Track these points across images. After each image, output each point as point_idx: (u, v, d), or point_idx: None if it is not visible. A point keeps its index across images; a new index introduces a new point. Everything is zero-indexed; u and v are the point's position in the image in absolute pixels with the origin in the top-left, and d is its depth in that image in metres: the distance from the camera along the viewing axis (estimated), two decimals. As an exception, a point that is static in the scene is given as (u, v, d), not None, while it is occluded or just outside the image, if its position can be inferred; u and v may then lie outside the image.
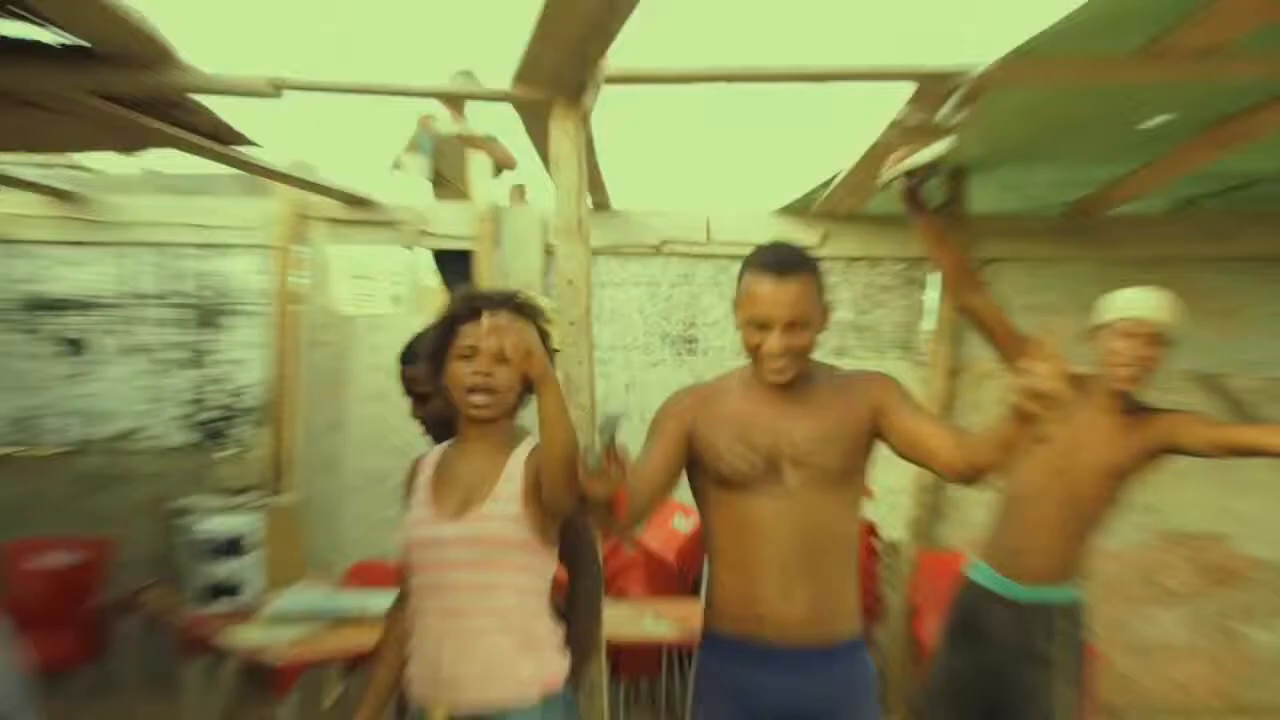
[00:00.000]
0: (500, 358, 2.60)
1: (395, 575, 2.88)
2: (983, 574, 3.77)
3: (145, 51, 3.57)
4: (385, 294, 8.32)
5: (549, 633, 2.73)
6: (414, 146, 6.85)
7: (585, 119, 3.56)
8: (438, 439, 3.20)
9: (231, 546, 4.76)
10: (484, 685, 2.61)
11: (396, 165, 6.93)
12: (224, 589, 4.73)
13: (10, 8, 3.35)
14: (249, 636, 4.39)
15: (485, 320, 2.57)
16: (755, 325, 2.75)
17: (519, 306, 2.79)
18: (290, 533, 5.22)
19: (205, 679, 4.90)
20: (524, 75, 3.42)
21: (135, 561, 5.95)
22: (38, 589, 5.74)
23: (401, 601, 2.84)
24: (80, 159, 6.64)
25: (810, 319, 2.74)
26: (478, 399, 2.66)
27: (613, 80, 3.54)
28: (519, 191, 6.91)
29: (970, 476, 2.64)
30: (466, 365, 2.67)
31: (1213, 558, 6.36)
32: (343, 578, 5.48)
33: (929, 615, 5.17)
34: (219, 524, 4.79)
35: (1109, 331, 3.61)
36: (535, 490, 2.63)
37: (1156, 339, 3.55)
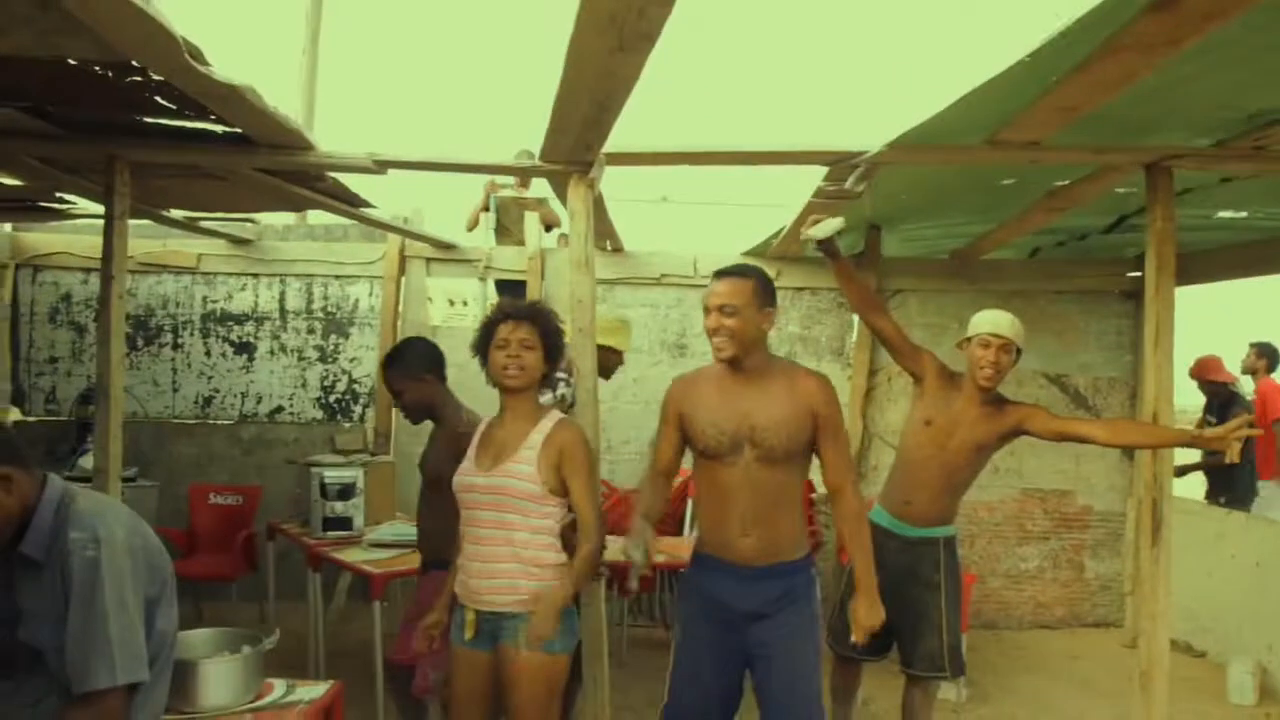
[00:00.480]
0: (525, 346, 2.86)
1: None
2: (881, 517, 3.82)
3: (288, 139, 3.72)
4: (461, 312, 8.47)
5: (553, 560, 2.83)
6: (484, 205, 6.98)
7: (593, 186, 3.68)
8: (416, 422, 3.62)
9: (346, 491, 4.88)
10: (495, 595, 2.77)
11: (470, 228, 7.06)
12: (339, 522, 4.84)
13: (185, 111, 3.51)
14: (355, 556, 4.52)
15: (510, 324, 2.88)
16: (706, 312, 2.98)
17: (535, 313, 2.98)
18: (386, 483, 5.34)
19: (324, 587, 5.03)
20: (546, 155, 3.55)
21: (278, 503, 6.12)
22: (211, 520, 5.93)
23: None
24: (254, 216, 6.80)
25: (739, 308, 2.90)
26: (511, 372, 2.84)
27: (613, 161, 3.66)
28: (564, 239, 7.04)
29: (831, 494, 3.00)
30: (501, 353, 2.86)
31: (1061, 508, 6.43)
32: (425, 516, 5.61)
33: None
34: (337, 474, 4.91)
35: (973, 343, 3.72)
36: (548, 460, 2.80)
37: (1006, 348, 3.69)
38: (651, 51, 2.52)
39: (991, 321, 3.74)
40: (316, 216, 6.75)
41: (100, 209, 5.46)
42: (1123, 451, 6.38)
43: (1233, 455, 3.46)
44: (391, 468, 5.48)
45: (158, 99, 3.42)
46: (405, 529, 4.91)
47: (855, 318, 6.36)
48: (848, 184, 3.95)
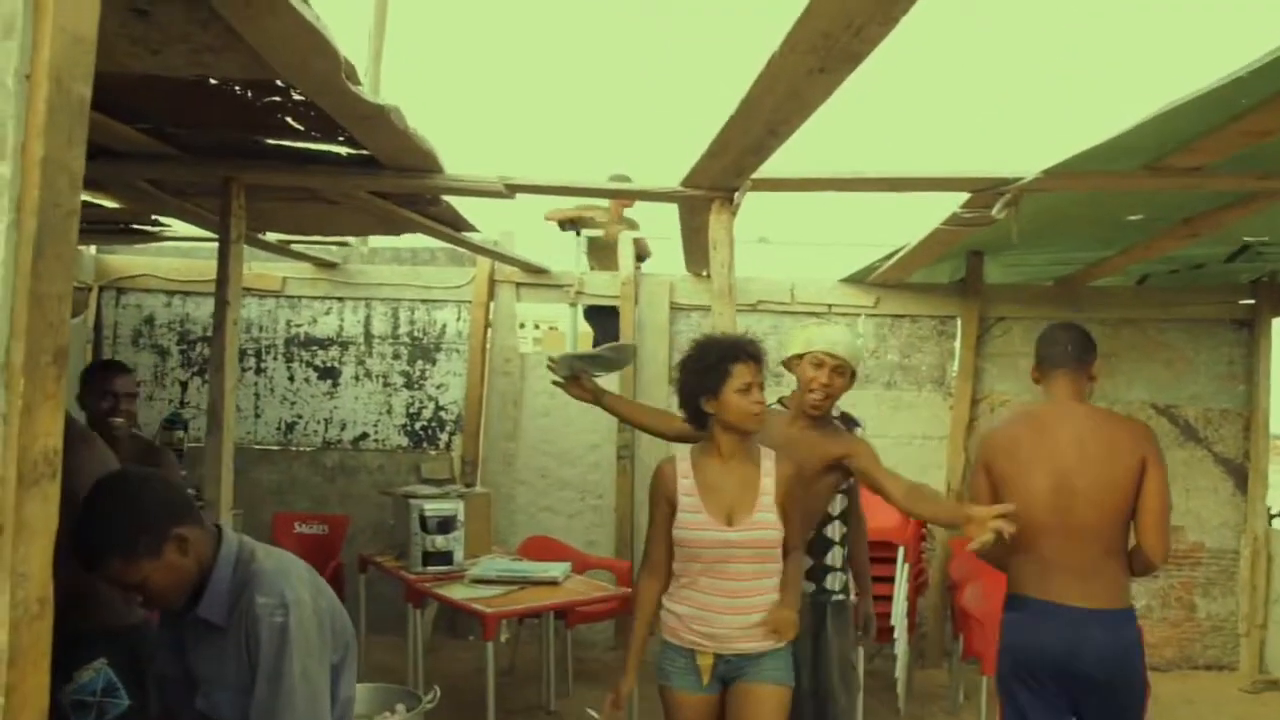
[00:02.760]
0: (762, 387, 2.82)
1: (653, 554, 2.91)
2: None
3: (417, 161, 3.58)
4: (544, 337, 8.34)
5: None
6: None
7: (735, 212, 3.52)
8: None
9: (446, 524, 4.71)
10: (756, 638, 2.78)
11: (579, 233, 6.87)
12: (439, 556, 4.66)
13: (312, 133, 3.37)
14: (461, 594, 4.35)
15: (750, 366, 2.81)
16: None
17: (761, 351, 2.90)
18: (483, 515, 5.17)
19: (420, 623, 4.87)
20: (692, 180, 3.38)
21: (364, 532, 5.98)
22: (295, 549, 5.68)
23: (650, 576, 2.89)
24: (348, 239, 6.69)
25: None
26: (760, 420, 2.80)
27: (758, 186, 3.48)
28: (638, 266, 6.83)
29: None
30: (746, 398, 2.76)
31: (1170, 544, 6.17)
32: (518, 549, 5.44)
33: (964, 587, 5.01)
34: (437, 506, 4.74)
35: (803, 361, 3.23)
36: (779, 501, 2.81)
37: (840, 369, 3.18)
38: (852, 75, 2.35)
39: (828, 339, 3.22)
40: (404, 239, 6.63)
41: (190, 231, 5.39)
42: (1235, 486, 6.11)
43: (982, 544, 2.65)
44: (487, 499, 5.31)
45: (288, 120, 3.29)
46: (508, 564, 4.76)
47: (957, 345, 6.14)
48: (994, 210, 3.74)
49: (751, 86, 2.42)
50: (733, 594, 2.78)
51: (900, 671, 4.92)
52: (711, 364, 2.83)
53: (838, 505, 3.44)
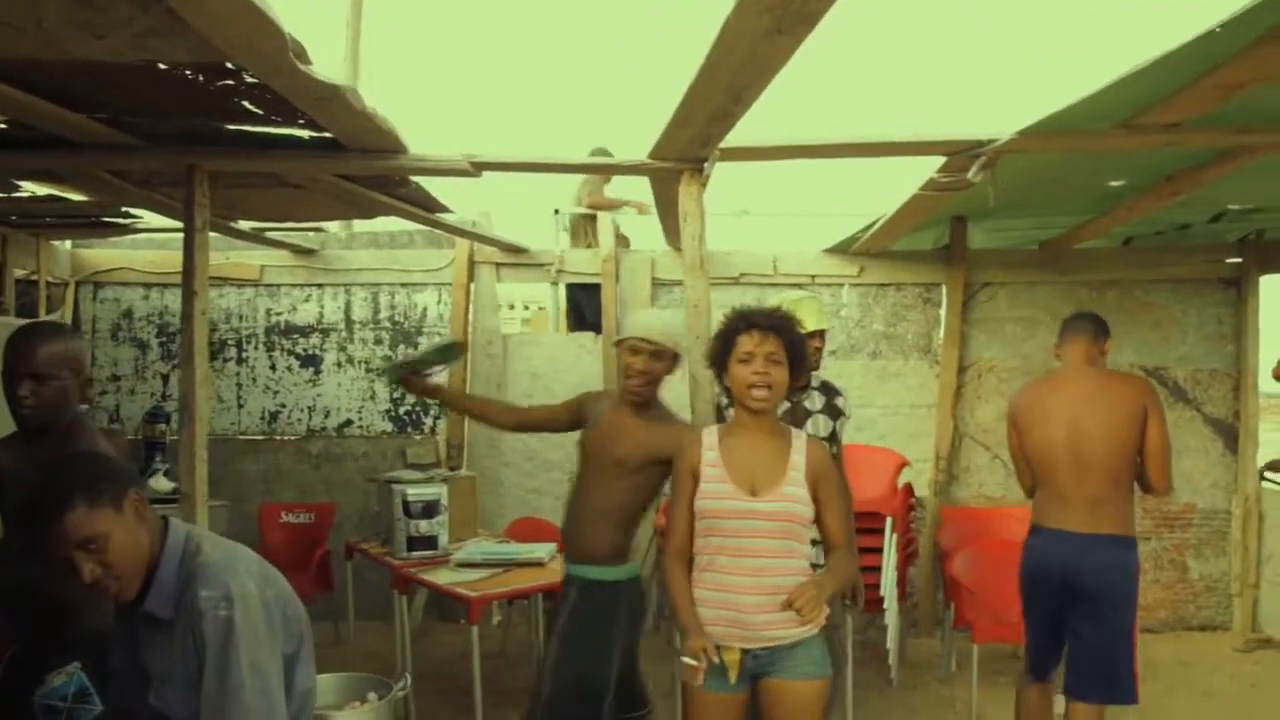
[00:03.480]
0: (773, 360, 2.61)
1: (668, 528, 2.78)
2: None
3: (381, 142, 3.52)
4: (532, 317, 8.28)
5: None
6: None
7: (705, 184, 3.46)
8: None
9: (430, 509, 4.67)
10: (785, 625, 2.56)
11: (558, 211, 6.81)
12: (424, 541, 4.63)
13: (272, 117, 3.31)
14: (445, 578, 4.32)
15: (754, 336, 2.62)
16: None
17: (780, 323, 2.70)
18: (468, 499, 5.13)
19: (407, 609, 4.83)
20: (659, 152, 3.32)
21: (350, 519, 5.94)
22: (282, 539, 5.73)
23: (676, 558, 2.72)
24: (324, 224, 6.63)
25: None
26: (758, 394, 2.62)
27: (726, 156, 3.42)
28: (623, 240, 6.80)
29: None
30: (746, 368, 2.62)
31: (1161, 506, 6.15)
32: (505, 532, 5.41)
33: (954, 556, 4.98)
34: (420, 491, 4.70)
35: (621, 348, 3.25)
36: (810, 481, 2.65)
37: (657, 355, 3.19)
38: (809, 36, 2.29)
39: (642, 325, 3.24)
40: (380, 223, 6.56)
41: (164, 222, 5.32)
42: (1225, 446, 6.08)
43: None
44: (472, 482, 5.27)
45: (245, 104, 3.22)
46: (493, 547, 4.73)
47: (942, 313, 6.09)
48: (970, 174, 3.68)
49: (709, 51, 2.36)
50: (755, 572, 2.58)
51: (891, 642, 4.91)
52: (720, 336, 2.75)
53: None
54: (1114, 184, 4.44)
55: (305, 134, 3.52)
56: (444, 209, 4.83)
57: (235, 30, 2.41)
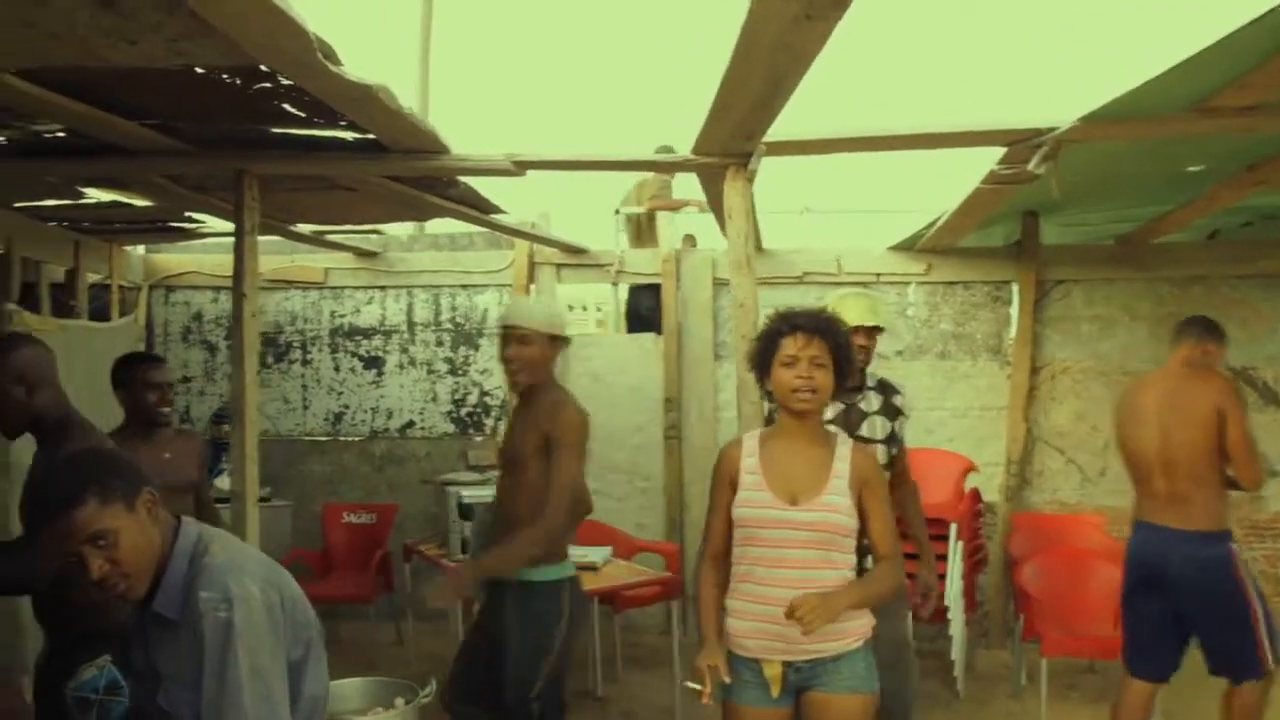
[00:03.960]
0: (817, 364, 2.52)
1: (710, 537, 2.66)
2: None
3: (421, 143, 3.50)
4: (593, 319, 8.25)
5: None
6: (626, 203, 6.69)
7: (751, 179, 3.36)
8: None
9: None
10: (826, 638, 2.48)
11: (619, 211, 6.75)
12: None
13: (315, 119, 3.31)
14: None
15: (798, 339, 2.52)
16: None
17: (826, 325, 2.59)
18: (526, 500, 5.09)
19: (459, 612, 4.81)
20: (701, 147, 3.24)
21: (412, 520, 5.96)
22: (345, 540, 5.78)
23: (710, 563, 2.65)
24: (381, 227, 6.67)
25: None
26: (803, 395, 2.51)
27: (773, 151, 3.31)
28: (689, 240, 6.72)
29: None
30: (789, 371, 2.53)
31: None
32: (565, 534, 5.35)
33: (1023, 565, 4.78)
34: (478, 492, 4.67)
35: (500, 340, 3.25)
36: (854, 490, 2.55)
37: (522, 340, 3.14)
38: (841, 21, 2.18)
39: (505, 312, 3.33)
40: (440, 225, 6.59)
41: (228, 226, 5.40)
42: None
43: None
44: (529, 484, 5.22)
45: (286, 107, 3.22)
46: (547, 550, 4.67)
47: (1014, 311, 5.87)
48: (1031, 165, 3.51)
49: (738, 38, 2.27)
50: (794, 583, 2.46)
51: (956, 653, 4.74)
52: (762, 339, 2.66)
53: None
54: (1192, 169, 4.21)
55: (349, 136, 3.52)
56: (496, 209, 4.80)
57: (259, 31, 2.40)
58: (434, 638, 5.40)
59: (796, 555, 2.50)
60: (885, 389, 3.47)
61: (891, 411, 3.42)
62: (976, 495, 5.11)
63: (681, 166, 3.47)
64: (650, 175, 6.26)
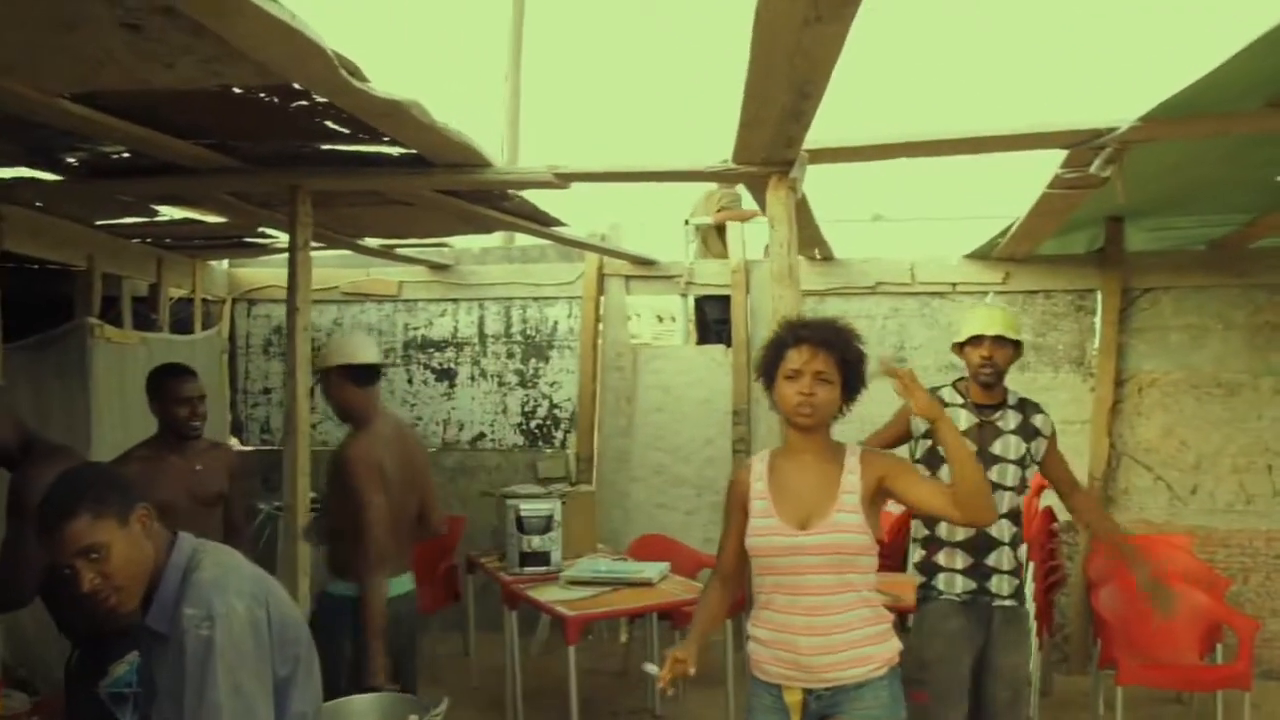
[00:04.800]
0: (821, 379, 2.39)
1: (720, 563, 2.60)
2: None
3: (465, 159, 3.53)
4: (664, 330, 8.21)
5: (885, 617, 2.50)
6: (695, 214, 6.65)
7: (794, 188, 3.28)
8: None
9: (543, 524, 4.64)
10: (846, 666, 2.39)
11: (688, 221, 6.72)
12: (535, 556, 4.61)
13: (360, 135, 3.37)
14: (552, 596, 4.27)
15: (803, 351, 2.40)
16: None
17: (834, 337, 2.44)
18: (586, 514, 5.10)
19: (524, 621, 4.82)
20: (741, 156, 3.18)
21: (483, 532, 5.98)
22: (411, 552, 5.81)
23: (717, 582, 2.59)
24: (450, 241, 6.77)
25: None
26: (803, 411, 2.39)
27: (815, 158, 3.24)
28: (769, 249, 6.63)
29: None
30: (791, 386, 2.41)
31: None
32: (628, 549, 5.33)
33: (1101, 588, 4.56)
34: (535, 506, 4.68)
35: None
36: (866, 498, 2.42)
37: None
38: (854, 20, 2.11)
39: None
40: (519, 239, 6.65)
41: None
42: None
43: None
44: (591, 498, 5.24)
45: (329, 124, 3.28)
46: (607, 564, 4.67)
47: (1097, 321, 5.63)
48: (1093, 168, 3.35)
49: (752, 46, 2.23)
50: (810, 611, 2.38)
51: (1031, 676, 4.53)
52: (768, 348, 2.52)
53: (1005, 502, 3.18)
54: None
55: (394, 151, 3.57)
56: (556, 222, 4.82)
57: (280, 52, 2.45)
58: (499, 650, 5.41)
59: (810, 581, 2.40)
60: (1025, 408, 3.33)
61: (1029, 432, 3.28)
62: (1050, 514, 4.89)
63: (722, 176, 3.41)
64: (716, 186, 6.20)
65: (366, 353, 3.44)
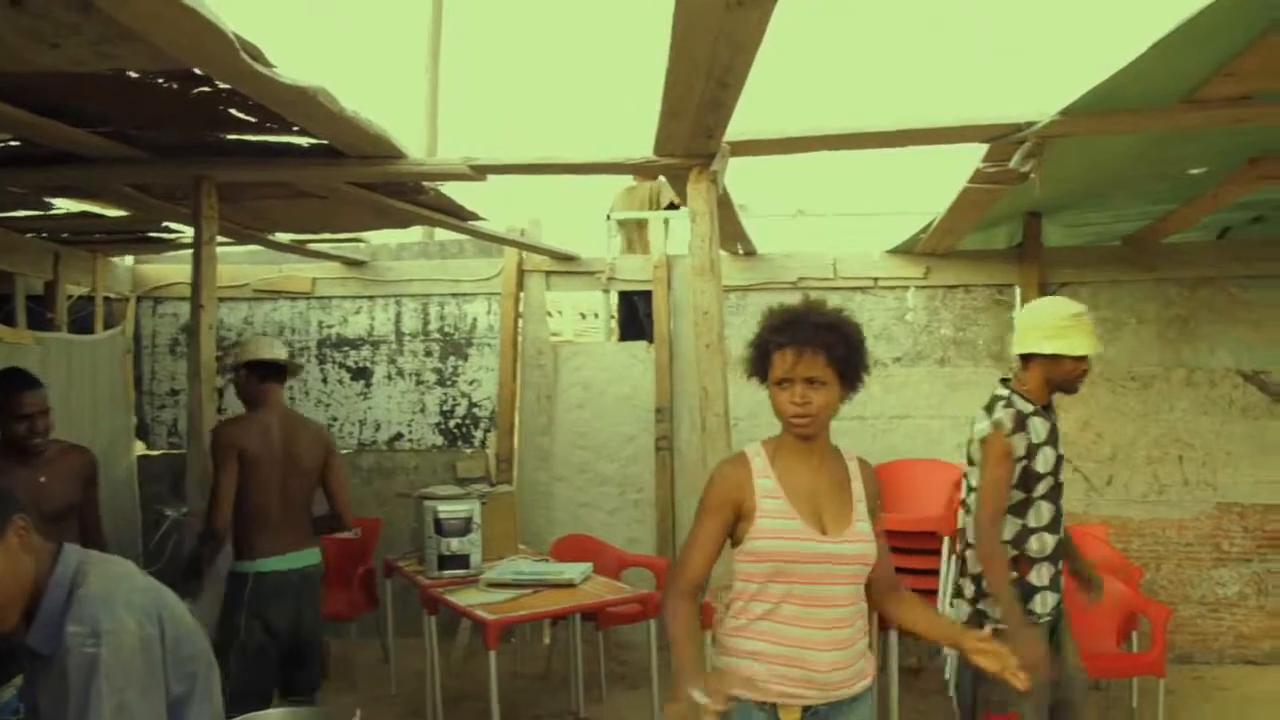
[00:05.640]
0: (814, 384, 2.16)
1: (688, 568, 2.26)
2: None
3: (378, 150, 3.43)
4: (587, 326, 8.15)
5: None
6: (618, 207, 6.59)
7: (715, 181, 3.25)
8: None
9: (462, 526, 4.54)
10: (855, 679, 2.24)
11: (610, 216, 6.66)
12: (454, 559, 4.51)
13: (268, 125, 3.24)
14: (471, 599, 4.18)
15: (789, 355, 2.15)
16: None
17: (826, 334, 2.17)
18: (507, 515, 5.01)
19: (445, 626, 4.72)
20: (662, 148, 3.13)
21: (399, 536, 5.86)
22: (330, 555, 5.62)
23: (684, 599, 2.24)
24: (363, 235, 6.61)
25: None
26: (799, 422, 2.18)
27: (737, 151, 3.20)
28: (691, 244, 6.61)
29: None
30: (784, 395, 2.19)
31: (1265, 525, 5.63)
32: (551, 550, 5.25)
33: (1073, 591, 4.45)
34: (454, 508, 4.58)
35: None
36: (873, 510, 2.28)
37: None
38: (775, 6, 2.07)
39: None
40: (437, 234, 6.52)
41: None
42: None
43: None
44: (511, 498, 5.14)
45: (234, 112, 3.15)
46: (529, 566, 4.59)
47: (1014, 315, 5.71)
48: (1012, 163, 3.38)
49: (673, 30, 2.17)
50: (830, 624, 2.19)
51: (950, 673, 4.57)
52: (755, 348, 2.28)
53: (1045, 514, 3.08)
54: (1194, 172, 4.06)
55: (304, 141, 3.45)
56: (474, 216, 4.72)
57: (177, 32, 2.33)
58: (419, 656, 5.30)
59: (833, 592, 2.20)
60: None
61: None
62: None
63: (643, 169, 3.37)
64: (635, 180, 6.17)
65: (270, 351, 3.67)
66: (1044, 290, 5.64)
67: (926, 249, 5.66)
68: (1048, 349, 3.04)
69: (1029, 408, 3.06)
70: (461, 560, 4.53)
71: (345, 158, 3.48)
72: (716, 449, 3.15)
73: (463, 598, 4.20)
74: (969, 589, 3.12)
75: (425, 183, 3.90)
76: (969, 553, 3.12)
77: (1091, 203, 4.91)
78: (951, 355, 5.82)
